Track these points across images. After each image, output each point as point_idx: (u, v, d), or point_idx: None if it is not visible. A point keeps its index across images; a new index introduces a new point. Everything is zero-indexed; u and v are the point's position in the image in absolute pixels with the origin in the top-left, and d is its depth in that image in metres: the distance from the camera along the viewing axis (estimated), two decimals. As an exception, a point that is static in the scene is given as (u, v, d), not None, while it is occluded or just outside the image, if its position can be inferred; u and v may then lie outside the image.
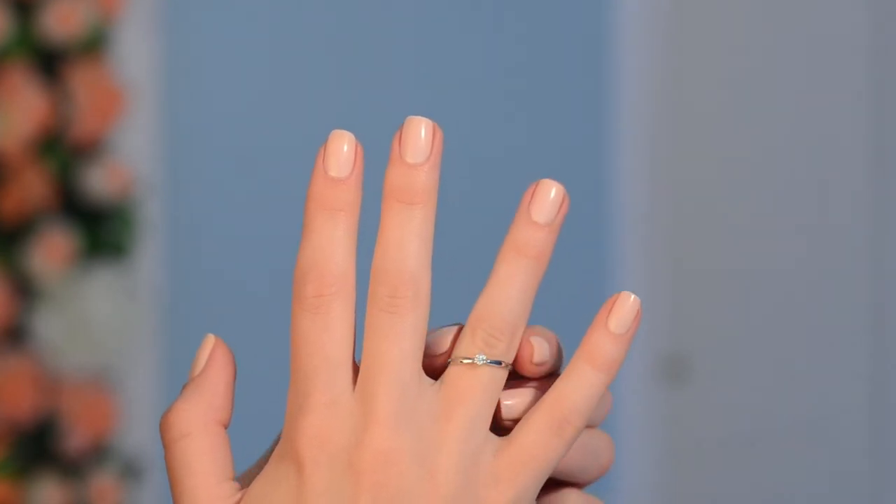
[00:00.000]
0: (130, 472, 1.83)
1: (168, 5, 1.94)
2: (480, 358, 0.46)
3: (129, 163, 1.83)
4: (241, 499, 0.46)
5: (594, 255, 2.48)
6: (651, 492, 2.54)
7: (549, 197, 0.47)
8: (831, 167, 2.66)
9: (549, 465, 0.46)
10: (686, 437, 2.58)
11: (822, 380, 2.67)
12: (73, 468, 1.78)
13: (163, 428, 0.47)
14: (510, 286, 0.47)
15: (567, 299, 2.43)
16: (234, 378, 0.49)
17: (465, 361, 0.46)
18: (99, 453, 1.80)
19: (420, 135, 0.47)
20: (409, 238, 0.46)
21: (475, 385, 0.46)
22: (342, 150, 0.46)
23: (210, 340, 0.49)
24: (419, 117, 0.47)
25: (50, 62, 1.76)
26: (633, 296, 0.47)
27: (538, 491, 0.46)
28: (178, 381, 1.98)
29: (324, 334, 0.45)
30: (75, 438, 1.76)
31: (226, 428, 0.48)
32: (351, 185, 0.46)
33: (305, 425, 0.45)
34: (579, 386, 0.46)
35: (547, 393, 0.46)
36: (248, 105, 2.06)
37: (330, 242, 0.46)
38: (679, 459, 2.57)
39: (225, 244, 2.04)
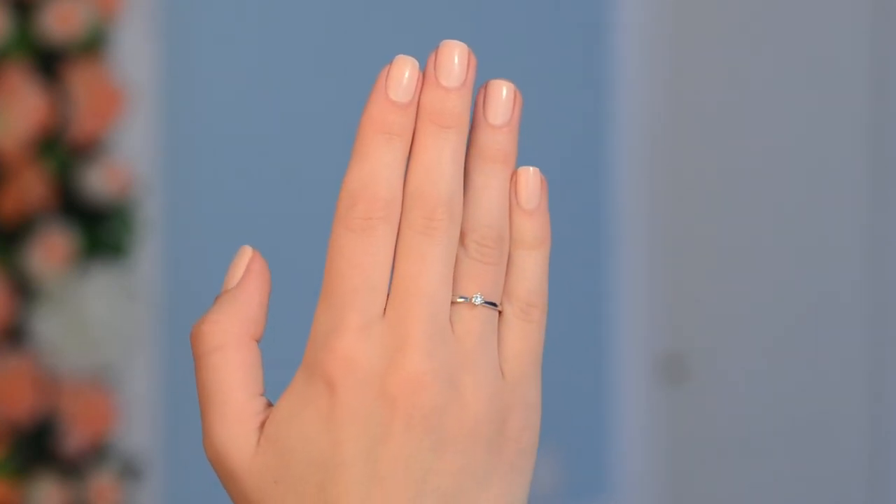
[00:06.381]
0: (129, 471, 1.83)
1: (168, 5, 1.94)
2: (477, 299, 0.46)
3: (128, 163, 1.83)
4: (268, 416, 0.45)
5: (594, 255, 2.47)
6: (651, 491, 2.54)
7: (500, 97, 0.47)
8: (831, 168, 2.66)
9: (536, 349, 0.46)
10: (686, 436, 2.58)
11: (822, 380, 2.67)
12: (72, 468, 1.78)
13: (195, 340, 0.46)
14: (488, 195, 0.47)
15: (567, 299, 2.43)
16: (269, 292, 0.48)
17: (460, 300, 0.46)
18: (98, 453, 1.80)
19: (455, 59, 0.46)
20: (445, 161, 0.46)
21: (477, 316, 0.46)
22: (405, 75, 0.46)
23: (247, 252, 0.48)
24: (454, 41, 0.46)
25: (49, 62, 1.76)
26: (530, 169, 0.47)
27: (540, 376, 0.47)
28: (178, 380, 1.98)
29: (367, 257, 0.45)
30: (74, 438, 1.76)
31: (258, 342, 0.47)
32: (410, 111, 0.46)
33: (338, 346, 0.44)
34: (521, 271, 0.47)
35: (502, 293, 0.47)
36: (247, 105, 2.06)
37: (384, 166, 0.45)
38: (679, 459, 2.57)
39: (223, 244, 2.04)
